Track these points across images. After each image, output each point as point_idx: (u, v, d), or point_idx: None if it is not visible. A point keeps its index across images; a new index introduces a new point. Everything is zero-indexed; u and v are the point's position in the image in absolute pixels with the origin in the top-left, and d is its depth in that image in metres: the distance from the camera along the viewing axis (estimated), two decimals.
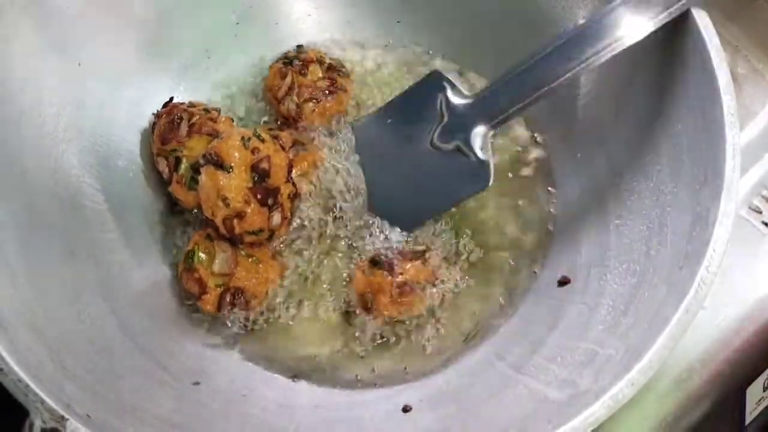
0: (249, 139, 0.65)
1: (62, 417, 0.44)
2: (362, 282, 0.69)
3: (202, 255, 0.67)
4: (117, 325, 0.60)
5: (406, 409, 0.62)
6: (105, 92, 0.70)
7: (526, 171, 0.78)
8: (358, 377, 0.68)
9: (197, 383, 0.62)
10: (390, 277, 0.67)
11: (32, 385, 0.45)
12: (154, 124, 0.73)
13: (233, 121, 0.76)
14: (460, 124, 0.68)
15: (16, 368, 0.45)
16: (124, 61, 0.72)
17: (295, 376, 0.68)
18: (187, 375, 0.62)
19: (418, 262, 0.68)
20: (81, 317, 0.57)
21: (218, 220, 0.65)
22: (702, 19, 0.57)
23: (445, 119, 0.69)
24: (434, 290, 0.69)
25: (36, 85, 0.62)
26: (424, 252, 0.70)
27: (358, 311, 0.69)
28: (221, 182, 0.64)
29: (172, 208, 0.74)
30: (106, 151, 0.70)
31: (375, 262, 0.69)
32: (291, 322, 0.70)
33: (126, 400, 0.53)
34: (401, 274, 0.67)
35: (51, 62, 0.64)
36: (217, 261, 0.67)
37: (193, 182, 0.69)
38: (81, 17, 0.66)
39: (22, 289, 0.52)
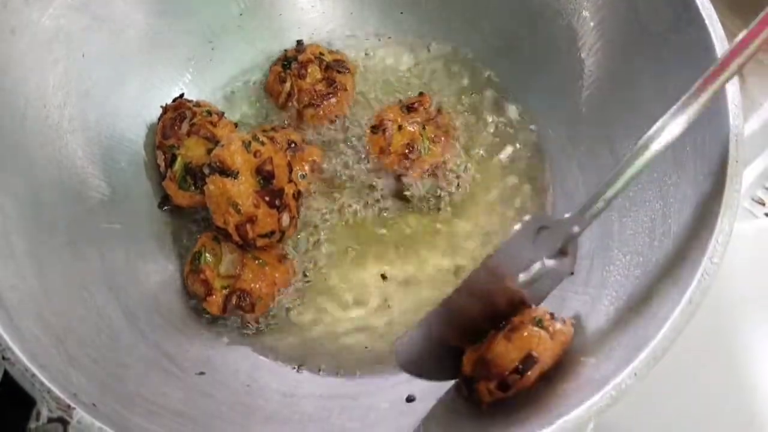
0: (249, 143, 0.65)
1: (69, 406, 0.45)
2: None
3: (209, 256, 0.68)
4: (123, 316, 0.61)
5: (410, 399, 0.62)
6: (110, 83, 0.70)
7: (529, 163, 0.78)
8: (363, 367, 0.68)
9: (202, 373, 0.62)
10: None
11: (39, 375, 0.45)
12: (161, 116, 0.73)
13: (236, 125, 0.75)
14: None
15: (22, 358, 0.46)
16: (128, 53, 0.72)
17: (299, 365, 0.68)
18: (193, 365, 0.63)
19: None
20: (87, 307, 0.57)
21: (231, 228, 0.65)
22: (706, 10, 0.57)
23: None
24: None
25: (40, 75, 0.62)
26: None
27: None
28: (230, 189, 0.64)
29: (164, 202, 0.74)
30: (111, 142, 0.70)
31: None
32: (295, 315, 0.70)
33: (132, 390, 0.54)
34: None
35: (55, 52, 0.64)
36: (223, 262, 0.67)
37: (183, 182, 0.70)
38: (84, 7, 0.66)
39: (29, 279, 0.53)
